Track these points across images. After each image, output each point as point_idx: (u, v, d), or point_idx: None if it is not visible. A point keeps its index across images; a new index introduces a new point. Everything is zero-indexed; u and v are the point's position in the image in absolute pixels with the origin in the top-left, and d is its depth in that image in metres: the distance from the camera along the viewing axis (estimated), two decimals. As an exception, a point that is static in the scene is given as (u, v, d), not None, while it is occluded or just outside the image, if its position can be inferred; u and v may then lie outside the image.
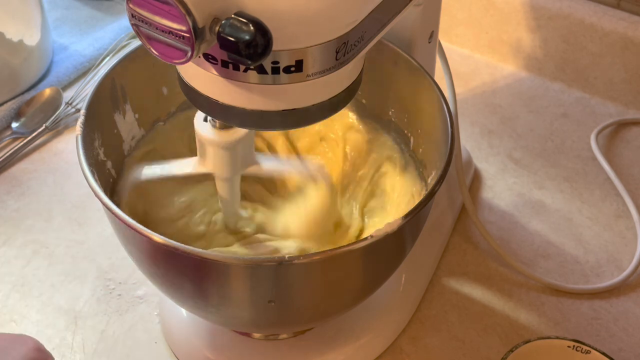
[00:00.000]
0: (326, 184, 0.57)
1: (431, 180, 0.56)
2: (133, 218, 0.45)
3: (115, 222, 0.47)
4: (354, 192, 0.63)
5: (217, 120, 0.49)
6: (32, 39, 0.85)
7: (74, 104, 0.84)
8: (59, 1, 1.02)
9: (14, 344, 0.49)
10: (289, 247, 0.56)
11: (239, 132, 0.50)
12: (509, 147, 0.82)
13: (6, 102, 0.83)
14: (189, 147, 0.63)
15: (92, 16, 1.00)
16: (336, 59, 0.42)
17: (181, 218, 0.58)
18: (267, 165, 0.55)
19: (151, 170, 0.56)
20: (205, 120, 0.51)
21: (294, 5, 0.38)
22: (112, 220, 0.49)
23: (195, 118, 0.51)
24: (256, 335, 0.59)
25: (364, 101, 0.63)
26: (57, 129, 0.82)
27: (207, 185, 0.60)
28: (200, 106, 0.45)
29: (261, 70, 0.40)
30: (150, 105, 0.60)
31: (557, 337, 0.54)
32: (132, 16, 0.38)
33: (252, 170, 0.54)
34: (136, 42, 0.53)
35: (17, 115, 0.83)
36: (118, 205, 0.47)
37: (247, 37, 0.36)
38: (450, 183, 0.71)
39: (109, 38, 0.93)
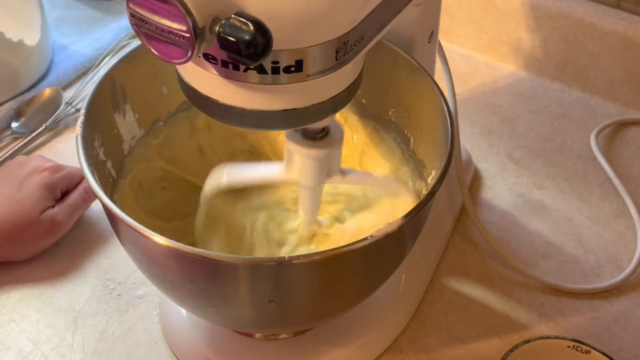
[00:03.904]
0: (411, 198, 0.56)
1: (431, 180, 0.56)
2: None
3: (115, 222, 0.47)
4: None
5: (307, 130, 0.50)
6: (32, 39, 0.85)
7: (74, 104, 0.84)
8: (59, 1, 1.02)
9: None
10: None
11: (329, 143, 0.50)
12: (509, 147, 0.82)
13: (6, 102, 0.83)
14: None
15: (92, 16, 1.00)
16: (336, 59, 0.42)
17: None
18: (351, 177, 0.55)
19: (235, 173, 0.55)
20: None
21: (294, 5, 0.38)
22: (112, 220, 0.49)
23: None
24: (256, 335, 0.59)
25: (364, 101, 0.63)
26: (57, 129, 0.82)
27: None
28: (200, 106, 0.45)
29: (261, 70, 0.40)
30: (150, 105, 0.60)
31: (557, 337, 0.54)
32: (132, 16, 0.38)
33: (335, 180, 0.53)
34: (136, 42, 0.53)
35: (17, 115, 0.83)
36: (118, 204, 0.47)
37: (247, 37, 0.36)
38: (450, 183, 0.71)
39: (109, 38, 0.93)
